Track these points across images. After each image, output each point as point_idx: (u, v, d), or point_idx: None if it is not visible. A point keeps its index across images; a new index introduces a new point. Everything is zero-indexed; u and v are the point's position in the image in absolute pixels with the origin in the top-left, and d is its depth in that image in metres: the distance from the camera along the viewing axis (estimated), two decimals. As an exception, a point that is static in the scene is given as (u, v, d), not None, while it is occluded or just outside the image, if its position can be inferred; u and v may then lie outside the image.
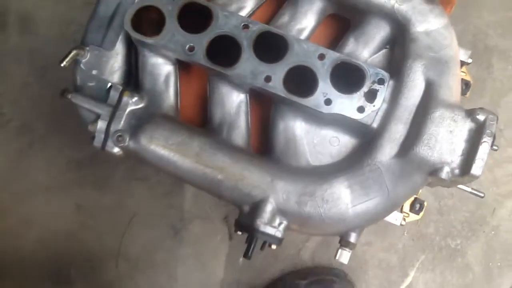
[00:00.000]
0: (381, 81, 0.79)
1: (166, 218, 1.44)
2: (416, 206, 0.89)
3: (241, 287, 1.41)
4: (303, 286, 1.26)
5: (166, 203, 1.45)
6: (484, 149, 0.72)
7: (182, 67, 0.87)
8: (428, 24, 0.81)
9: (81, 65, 0.83)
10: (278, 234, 0.77)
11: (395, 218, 0.88)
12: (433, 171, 0.75)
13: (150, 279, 1.44)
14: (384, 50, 0.86)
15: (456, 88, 0.79)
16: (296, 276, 1.32)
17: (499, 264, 1.40)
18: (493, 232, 1.41)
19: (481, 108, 0.76)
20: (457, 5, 1.42)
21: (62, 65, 0.80)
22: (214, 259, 1.43)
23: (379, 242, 1.40)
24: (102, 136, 0.81)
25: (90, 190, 1.47)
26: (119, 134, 0.80)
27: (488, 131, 0.73)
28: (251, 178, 0.78)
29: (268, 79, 0.78)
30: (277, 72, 0.79)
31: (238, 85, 0.82)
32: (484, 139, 0.72)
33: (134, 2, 0.84)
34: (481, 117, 0.74)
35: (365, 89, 0.79)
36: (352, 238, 0.82)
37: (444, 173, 0.74)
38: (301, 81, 0.79)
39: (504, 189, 1.43)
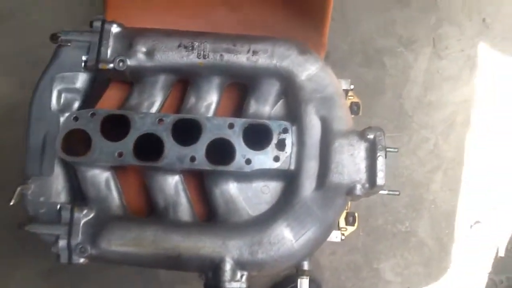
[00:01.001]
0: (285, 131, 0.93)
1: (150, 291, 1.52)
2: (350, 219, 1.03)
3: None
4: None
5: (144, 281, 1.53)
6: (380, 162, 0.87)
7: (117, 168, 0.97)
8: (308, 71, 0.96)
9: (29, 197, 0.92)
10: (243, 285, 0.88)
11: (335, 236, 1.02)
12: (348, 191, 0.89)
13: None
14: (281, 101, 1.00)
15: (346, 116, 0.95)
16: None
17: (446, 231, 1.58)
18: (432, 206, 1.59)
19: (369, 128, 0.91)
20: (337, 20, 1.62)
21: (11, 203, 0.89)
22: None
23: (341, 248, 1.54)
24: (66, 252, 0.90)
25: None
26: (80, 246, 0.89)
27: (379, 146, 0.88)
28: (205, 246, 0.89)
29: (193, 159, 0.91)
30: (199, 151, 0.91)
31: (170, 170, 0.94)
32: (378, 154, 0.88)
33: (59, 127, 0.94)
34: (371, 135, 0.90)
35: (274, 141, 0.93)
36: (305, 266, 0.94)
37: (358, 190, 0.88)
38: (222, 150, 0.92)
39: (429, 166, 1.62)
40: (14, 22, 1.73)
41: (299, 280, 0.96)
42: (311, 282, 1.41)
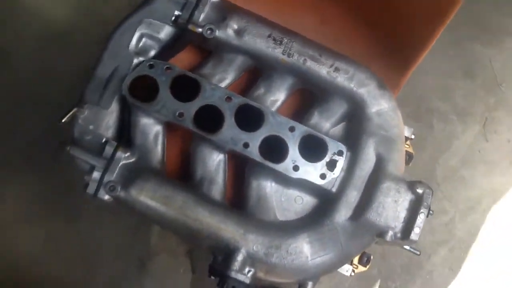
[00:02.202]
0: (340, 153, 0.94)
1: (134, 250, 1.52)
2: (364, 259, 1.04)
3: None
4: None
5: (135, 236, 1.53)
6: (421, 219, 0.88)
7: (169, 127, 0.98)
8: (380, 107, 0.97)
9: (80, 121, 0.93)
10: (247, 280, 0.88)
11: (346, 269, 1.02)
12: (379, 234, 0.90)
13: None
14: (342, 123, 1.01)
15: (401, 162, 0.96)
16: None
17: (431, 306, 1.57)
18: (427, 276, 1.59)
19: (420, 182, 0.92)
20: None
21: (62, 121, 0.90)
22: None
23: (328, 281, 1.54)
24: (95, 185, 0.90)
25: (61, 222, 1.54)
26: (111, 184, 0.90)
27: (425, 203, 0.89)
28: (226, 230, 0.89)
29: (246, 145, 0.92)
30: (254, 140, 0.92)
31: (218, 147, 0.95)
32: (421, 210, 0.88)
33: (130, 67, 0.95)
34: (420, 190, 0.91)
35: (327, 159, 0.93)
36: (309, 286, 0.94)
37: (389, 236, 0.89)
38: (274, 147, 0.93)
39: (438, 237, 1.62)
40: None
41: (299, 298, 0.96)
42: None
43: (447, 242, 1.61)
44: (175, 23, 0.98)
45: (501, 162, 1.71)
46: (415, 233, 0.87)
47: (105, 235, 1.53)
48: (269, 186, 0.95)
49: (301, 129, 0.94)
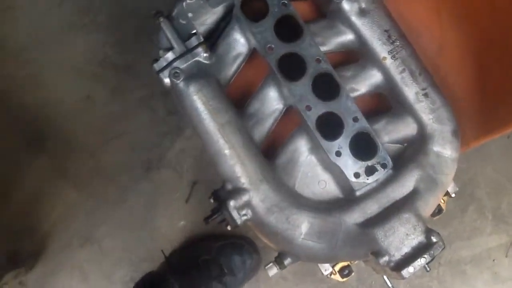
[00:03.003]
0: (384, 166, 0.94)
1: (149, 152, 1.56)
2: (345, 271, 1.03)
3: (166, 243, 1.53)
4: (215, 248, 1.39)
5: (158, 139, 1.57)
6: (420, 262, 0.87)
7: (253, 54, 0.99)
8: (443, 150, 0.96)
9: (184, 4, 0.96)
10: (238, 221, 0.90)
11: (325, 268, 1.02)
12: (375, 253, 0.89)
13: (100, 191, 1.55)
14: (398, 146, 1.00)
15: (432, 207, 0.95)
16: (211, 240, 1.45)
17: None
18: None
19: (437, 233, 0.91)
20: (475, 148, 1.59)
21: (172, -6, 0.93)
22: (162, 209, 1.55)
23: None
24: (164, 64, 0.93)
25: (106, 90, 1.59)
26: (177, 71, 0.93)
27: (431, 252, 0.88)
28: (248, 167, 0.91)
29: (308, 108, 0.93)
30: (318, 108, 0.93)
31: (283, 97, 0.96)
32: (424, 255, 0.87)
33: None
34: (434, 239, 0.89)
35: (369, 163, 0.93)
36: (287, 261, 0.95)
37: (383, 260, 0.88)
38: (330, 124, 0.94)
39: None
40: None
41: (271, 264, 0.97)
42: (255, 249, 1.44)
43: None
44: None
45: (508, 282, 1.66)
46: (408, 271, 0.86)
47: (135, 125, 1.57)
48: (305, 156, 0.96)
49: (363, 124, 0.94)
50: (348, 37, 1.00)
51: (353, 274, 1.04)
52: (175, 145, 1.57)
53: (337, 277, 1.02)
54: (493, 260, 1.68)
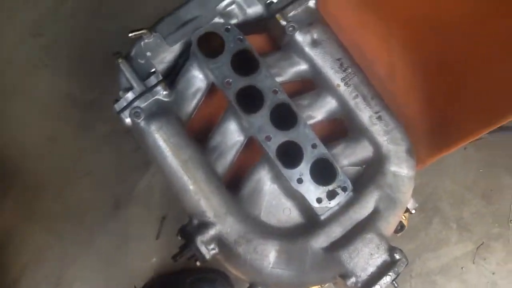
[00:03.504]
0: (344, 189, 0.97)
1: (116, 189, 1.55)
2: (321, 294, 1.06)
3: (138, 280, 1.51)
4: (188, 283, 1.38)
5: (124, 176, 1.56)
6: (386, 280, 0.90)
7: (211, 89, 1.02)
8: (400, 169, 1.00)
9: (142, 43, 0.98)
10: (207, 256, 0.91)
11: (298, 293, 1.04)
12: (342, 275, 0.92)
13: (69, 232, 1.53)
14: (357, 168, 1.04)
15: (393, 226, 0.99)
16: (184, 274, 1.44)
17: None
18: None
19: (400, 250, 0.94)
20: (433, 163, 1.66)
21: (130, 35, 0.95)
22: (133, 247, 1.53)
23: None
24: (124, 105, 0.95)
25: (71, 128, 1.58)
26: (138, 110, 0.94)
27: (395, 269, 0.91)
28: (212, 201, 0.93)
29: (268, 138, 0.96)
30: (277, 138, 0.96)
31: (243, 129, 0.99)
32: (389, 274, 0.91)
33: (209, 22, 1.01)
34: (397, 256, 0.93)
35: (330, 187, 0.96)
36: (259, 289, 0.97)
37: (350, 282, 0.91)
38: (290, 152, 0.97)
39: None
40: None
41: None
42: (228, 282, 1.44)
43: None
44: (267, 6, 1.03)
45: (477, 284, 1.71)
46: (374, 289, 0.89)
47: (101, 162, 1.56)
48: (268, 185, 0.99)
49: (321, 150, 0.97)
50: (303, 67, 1.04)
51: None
52: (142, 181, 1.57)
53: (312, 301, 1.04)
54: (462, 268, 1.74)
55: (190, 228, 0.93)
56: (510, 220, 1.81)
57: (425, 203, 1.75)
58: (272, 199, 1.00)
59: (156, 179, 1.56)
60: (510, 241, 1.79)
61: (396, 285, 1.03)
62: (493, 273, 1.74)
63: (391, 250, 0.94)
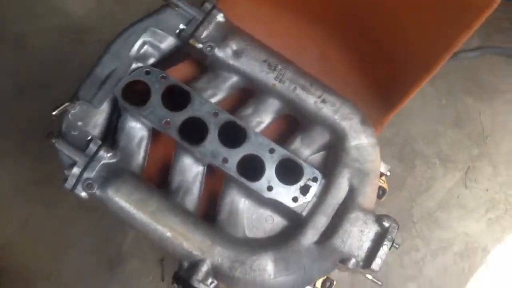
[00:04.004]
0: (315, 179, 0.97)
1: (104, 252, 1.53)
2: (327, 284, 1.06)
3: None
4: None
5: (109, 236, 1.55)
6: (384, 250, 0.91)
7: (155, 133, 1.01)
8: (360, 141, 1.01)
9: (69, 116, 0.96)
10: (209, 291, 0.91)
11: (307, 292, 1.05)
12: (342, 260, 0.93)
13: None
14: (322, 152, 1.05)
15: (372, 196, 0.99)
16: None
17: None
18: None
19: (387, 216, 0.95)
20: (396, 113, 1.68)
21: (53, 113, 0.93)
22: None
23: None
24: (74, 180, 0.93)
25: (41, 210, 1.56)
26: (89, 182, 0.92)
27: (389, 236, 0.92)
28: (194, 240, 0.92)
29: (225, 160, 0.95)
30: (233, 156, 0.95)
31: (198, 159, 0.98)
32: (385, 243, 0.92)
33: (127, 71, 0.99)
34: (386, 224, 0.94)
35: (301, 183, 0.97)
36: (269, 303, 0.97)
37: (351, 264, 0.92)
38: (252, 165, 0.96)
39: (408, 273, 1.66)
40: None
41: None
42: None
43: (416, 278, 1.64)
44: (178, 36, 1.02)
45: (477, 209, 1.75)
46: (376, 263, 0.90)
47: (81, 230, 1.55)
48: (242, 203, 0.98)
49: (280, 152, 0.97)
50: (234, 79, 1.04)
51: (335, 282, 1.07)
52: (128, 235, 1.55)
53: (323, 293, 1.05)
54: (457, 197, 1.78)
55: (182, 273, 0.92)
56: (486, 136, 1.85)
57: (402, 151, 1.78)
58: (251, 214, 0.99)
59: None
60: (493, 155, 1.83)
61: (397, 246, 1.05)
62: (487, 190, 1.79)
63: (379, 220, 0.95)
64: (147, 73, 0.97)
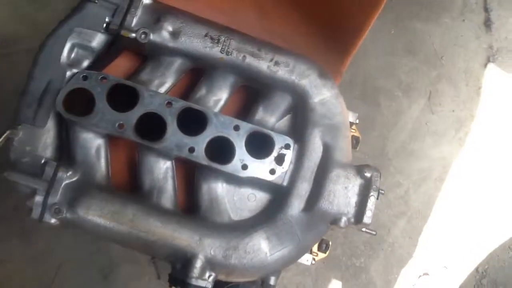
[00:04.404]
0: (287, 146, 0.94)
1: (95, 263, 1.48)
2: (323, 246, 1.05)
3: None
4: None
5: (94, 248, 1.50)
6: (372, 201, 0.90)
7: (111, 138, 0.95)
8: (323, 96, 0.98)
9: (14, 143, 0.88)
10: (209, 286, 0.88)
11: (306, 259, 1.04)
12: (333, 221, 0.91)
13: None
14: (288, 116, 1.01)
15: (348, 149, 0.97)
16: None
17: (395, 276, 1.63)
18: (389, 249, 1.64)
19: (367, 166, 0.94)
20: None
21: (-4, 145, 0.85)
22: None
23: (295, 267, 1.57)
24: (40, 209, 0.87)
25: (16, 242, 1.48)
26: (56, 207, 0.86)
27: (374, 186, 0.91)
28: (181, 238, 0.88)
29: (191, 150, 0.90)
30: (199, 143, 0.91)
31: (164, 154, 0.93)
32: (371, 194, 0.90)
33: (63, 80, 0.91)
34: (368, 174, 0.92)
35: (275, 153, 0.93)
36: (272, 281, 0.95)
37: (342, 223, 0.90)
38: (221, 148, 0.92)
39: (396, 210, 1.68)
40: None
41: (262, 293, 0.97)
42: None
43: (405, 213, 1.67)
44: (107, 30, 0.94)
45: (447, 131, 1.78)
46: (367, 216, 0.89)
47: (64, 251, 1.48)
48: (220, 188, 0.95)
49: (245, 127, 0.93)
50: (178, 62, 0.97)
51: (330, 243, 1.06)
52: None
53: (321, 255, 1.04)
54: (426, 124, 1.79)
55: (177, 274, 0.88)
56: (441, 57, 1.86)
57: (364, 91, 1.77)
58: (232, 197, 0.96)
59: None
60: (451, 74, 1.84)
61: (382, 192, 1.04)
62: (453, 111, 1.81)
63: (360, 171, 0.93)
64: (85, 78, 0.90)
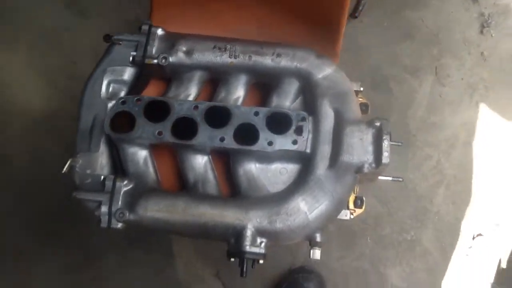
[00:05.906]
0: (303, 119, 1.07)
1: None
2: (358, 202, 1.14)
3: None
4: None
5: (163, 280, 1.61)
6: (385, 144, 1.00)
7: (154, 148, 1.11)
8: (324, 72, 1.11)
9: (77, 169, 1.05)
10: (262, 250, 0.99)
11: (344, 214, 1.13)
12: (357, 169, 1.02)
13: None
14: (299, 99, 1.15)
15: (356, 109, 1.09)
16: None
17: (450, 242, 1.66)
18: (436, 217, 1.69)
19: (376, 117, 1.05)
20: (352, 51, 1.79)
21: (63, 171, 1.02)
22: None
23: (351, 254, 1.63)
24: (107, 217, 1.02)
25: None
26: (120, 212, 1.01)
27: (385, 131, 1.02)
28: (229, 215, 1.00)
29: (222, 139, 1.05)
30: (228, 133, 1.05)
31: (200, 150, 1.07)
32: (384, 137, 1.01)
33: (106, 112, 1.09)
34: (377, 123, 1.03)
35: (293, 127, 1.06)
36: (318, 238, 1.05)
37: (366, 168, 1.01)
38: (247, 134, 1.06)
39: (432, 180, 1.73)
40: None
41: (311, 251, 1.06)
42: (317, 277, 1.50)
43: (441, 182, 1.72)
44: (133, 62, 1.13)
45: (462, 98, 1.85)
46: (385, 157, 0.99)
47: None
48: (254, 168, 1.08)
49: (264, 111, 1.07)
50: (197, 75, 1.14)
51: (364, 198, 1.15)
52: (177, 267, 1.62)
53: (358, 210, 1.13)
54: (440, 96, 1.87)
55: (233, 248, 1.00)
56: (437, 35, 1.97)
57: (374, 81, 1.88)
58: (266, 174, 1.08)
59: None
60: (451, 47, 1.94)
61: (400, 143, 1.14)
62: (462, 79, 1.89)
63: (371, 123, 1.04)
64: (123, 102, 1.08)
